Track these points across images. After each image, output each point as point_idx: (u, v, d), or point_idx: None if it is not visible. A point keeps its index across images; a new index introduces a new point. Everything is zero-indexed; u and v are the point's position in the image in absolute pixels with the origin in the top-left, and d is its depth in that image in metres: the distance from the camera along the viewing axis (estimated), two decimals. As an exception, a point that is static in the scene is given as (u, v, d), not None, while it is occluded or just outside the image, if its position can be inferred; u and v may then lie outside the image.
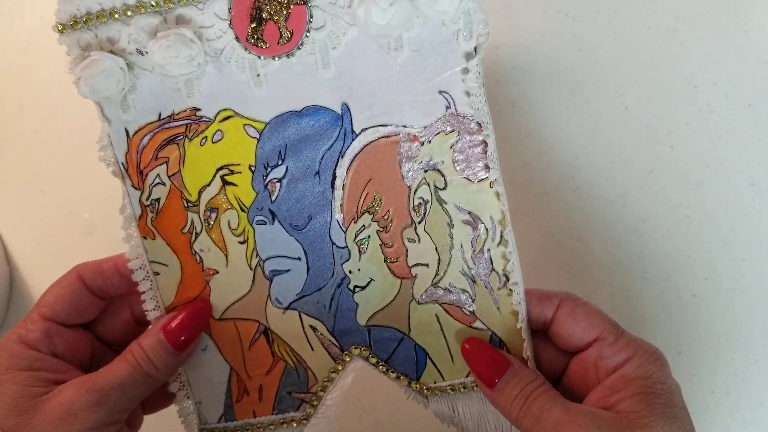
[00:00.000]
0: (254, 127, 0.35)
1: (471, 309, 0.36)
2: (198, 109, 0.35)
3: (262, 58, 0.34)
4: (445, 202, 0.35)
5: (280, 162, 0.35)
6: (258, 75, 0.34)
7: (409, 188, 0.35)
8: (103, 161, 0.36)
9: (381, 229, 0.36)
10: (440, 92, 0.34)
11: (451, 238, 0.35)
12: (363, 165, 0.35)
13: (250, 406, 0.38)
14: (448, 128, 0.35)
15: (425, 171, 0.35)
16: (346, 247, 0.36)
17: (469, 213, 0.35)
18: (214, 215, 0.36)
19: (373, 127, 0.35)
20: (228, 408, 0.38)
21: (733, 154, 0.44)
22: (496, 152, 0.34)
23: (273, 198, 0.36)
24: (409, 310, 0.36)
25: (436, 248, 0.35)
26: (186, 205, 0.36)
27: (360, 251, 0.36)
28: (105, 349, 0.39)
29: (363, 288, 0.36)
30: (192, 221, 0.36)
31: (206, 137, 0.35)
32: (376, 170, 0.35)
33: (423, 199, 0.35)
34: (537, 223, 0.47)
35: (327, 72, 0.34)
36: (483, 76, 0.34)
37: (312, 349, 0.37)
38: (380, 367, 0.37)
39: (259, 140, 0.35)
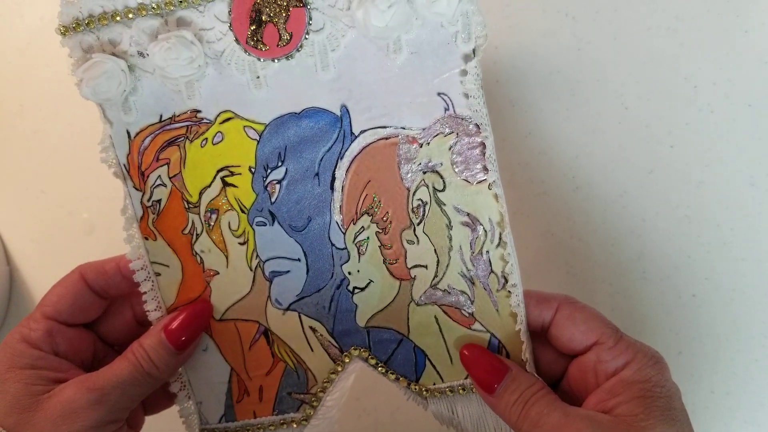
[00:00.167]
0: (254, 129, 0.35)
1: (470, 311, 0.36)
2: (198, 111, 0.35)
3: (262, 60, 0.34)
4: (444, 204, 0.35)
5: (279, 163, 0.36)
6: (258, 77, 0.34)
7: (408, 190, 0.35)
8: (104, 162, 0.36)
9: (380, 231, 0.36)
10: (439, 94, 0.34)
11: (450, 239, 0.35)
12: (362, 166, 0.35)
13: (250, 407, 0.38)
14: (447, 130, 0.35)
15: (424, 173, 0.35)
16: (346, 248, 0.36)
17: (468, 215, 0.35)
18: (214, 216, 0.36)
19: (372, 128, 0.35)
20: (229, 408, 0.38)
21: (733, 154, 0.44)
22: (495, 154, 0.34)
23: (273, 199, 0.36)
24: (408, 312, 0.36)
25: (435, 250, 0.35)
26: (187, 207, 0.36)
27: (359, 253, 0.36)
28: (107, 348, 0.39)
29: (362, 289, 0.36)
30: (193, 222, 0.36)
31: (207, 139, 0.35)
32: (375, 172, 0.35)
33: (422, 200, 0.35)
34: (537, 223, 0.47)
35: (326, 74, 0.34)
36: (481, 77, 0.33)
37: (312, 350, 0.37)
38: (380, 369, 0.37)
39: (259, 142, 0.35)
